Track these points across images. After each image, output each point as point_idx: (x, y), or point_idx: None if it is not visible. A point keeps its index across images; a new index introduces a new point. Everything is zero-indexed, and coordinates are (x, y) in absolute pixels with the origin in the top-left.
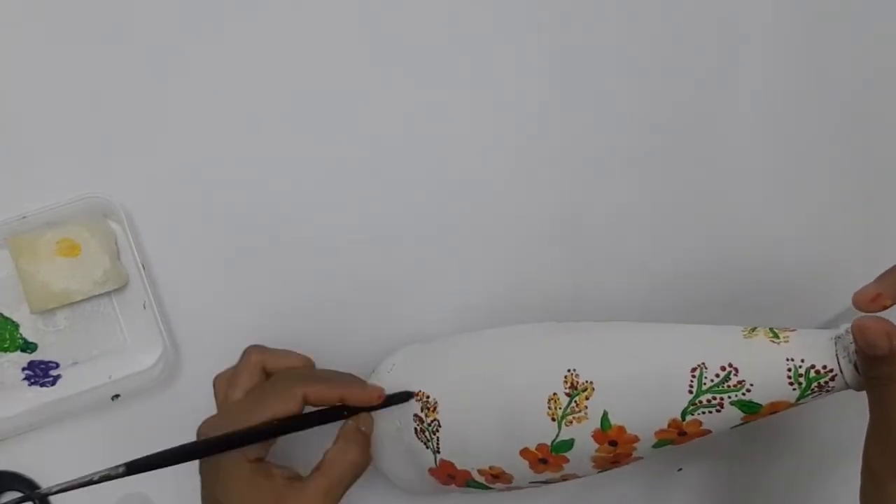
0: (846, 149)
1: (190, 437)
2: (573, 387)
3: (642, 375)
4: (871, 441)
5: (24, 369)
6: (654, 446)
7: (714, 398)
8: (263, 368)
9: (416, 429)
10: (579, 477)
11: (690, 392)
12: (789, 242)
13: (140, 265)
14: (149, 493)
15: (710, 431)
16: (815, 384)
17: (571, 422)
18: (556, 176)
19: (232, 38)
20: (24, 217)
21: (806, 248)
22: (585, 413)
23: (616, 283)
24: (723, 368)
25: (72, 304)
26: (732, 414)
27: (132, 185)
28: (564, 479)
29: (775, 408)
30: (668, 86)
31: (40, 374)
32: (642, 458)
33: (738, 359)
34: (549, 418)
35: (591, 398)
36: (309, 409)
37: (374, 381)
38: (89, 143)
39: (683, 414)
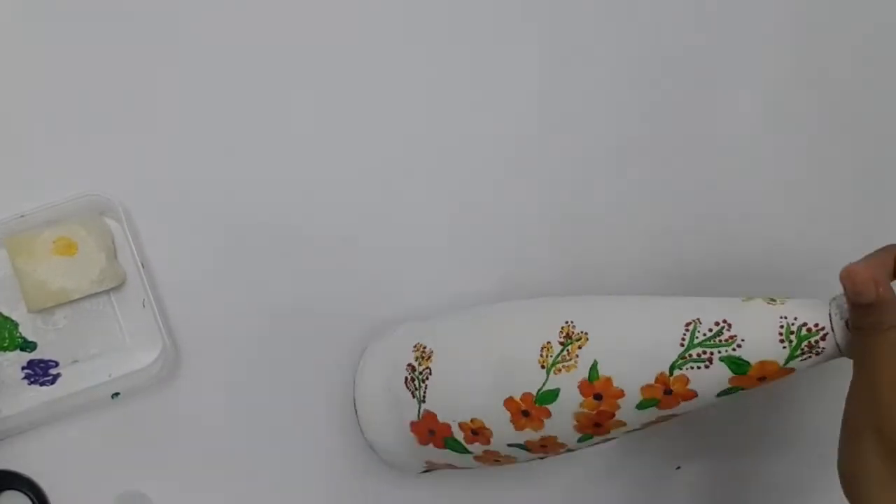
0: (846, 147)
1: (192, 433)
2: (568, 336)
3: (638, 328)
4: (852, 394)
5: (23, 368)
6: (639, 406)
7: (704, 352)
8: None
9: (406, 377)
10: (558, 445)
11: (682, 345)
12: (788, 241)
13: (139, 263)
14: (149, 493)
15: (695, 394)
16: (806, 343)
17: (560, 370)
18: (554, 173)
19: (231, 34)
20: (22, 216)
21: (806, 246)
22: (575, 362)
23: (613, 280)
24: (716, 324)
25: (71, 302)
26: (720, 372)
27: (130, 183)
28: (543, 446)
29: (764, 369)
30: (667, 84)
31: (40, 372)
32: (625, 424)
33: (733, 316)
34: (539, 365)
35: (583, 347)
36: None
37: (373, 342)
38: (87, 141)
39: (672, 367)
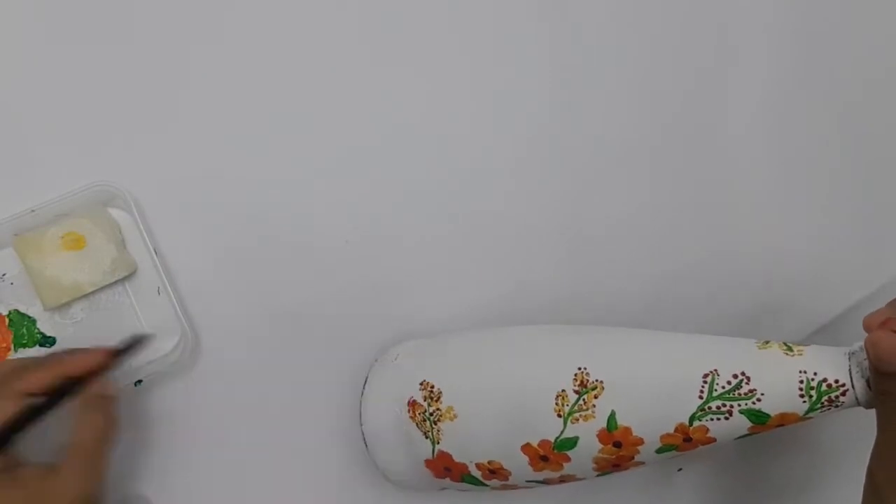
0: (847, 151)
1: (214, 418)
2: (583, 384)
3: (654, 378)
4: (876, 454)
5: None
6: (658, 451)
7: (724, 405)
8: None
9: (417, 417)
10: (577, 479)
11: (700, 398)
12: (791, 245)
13: (152, 250)
14: (149, 493)
15: (714, 440)
16: (826, 398)
17: (578, 419)
18: (559, 180)
19: (236, 28)
20: (32, 211)
21: (807, 249)
22: (593, 412)
23: (617, 286)
24: (735, 376)
25: (86, 295)
26: (740, 423)
27: (137, 172)
28: (562, 480)
29: (783, 419)
30: (671, 89)
31: None
32: (643, 463)
33: (751, 368)
34: (556, 414)
35: (599, 397)
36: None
37: (377, 369)
38: (91, 133)
39: (691, 419)
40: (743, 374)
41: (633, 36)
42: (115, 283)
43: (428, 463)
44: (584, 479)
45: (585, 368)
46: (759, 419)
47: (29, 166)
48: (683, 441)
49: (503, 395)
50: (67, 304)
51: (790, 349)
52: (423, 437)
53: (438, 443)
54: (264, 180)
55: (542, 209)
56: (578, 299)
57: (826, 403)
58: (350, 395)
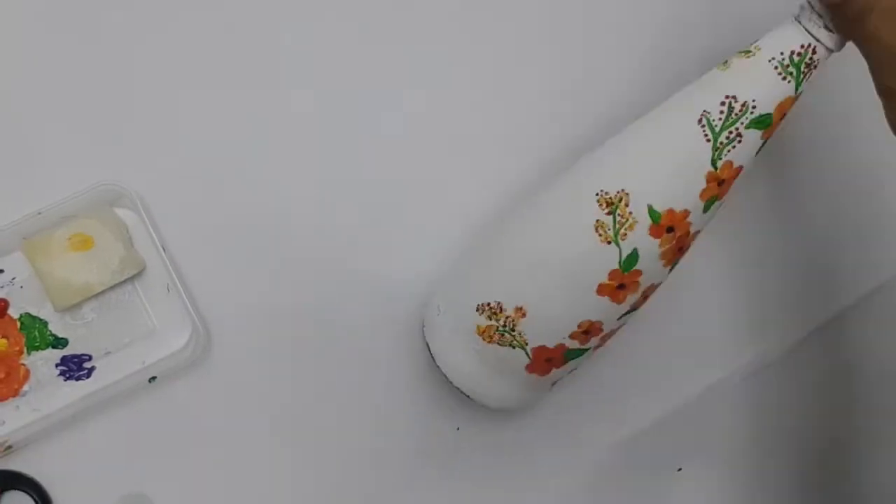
0: (843, 151)
1: (229, 412)
2: (609, 203)
3: (663, 157)
4: (877, 75)
5: (57, 365)
6: (705, 210)
7: (731, 132)
8: None
9: (492, 339)
10: (657, 286)
11: (708, 141)
12: (787, 244)
13: (160, 247)
14: (149, 493)
15: (742, 168)
16: (803, 65)
17: (625, 234)
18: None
19: (240, 26)
20: (39, 213)
21: (803, 250)
22: (633, 217)
23: None
24: (722, 104)
25: (96, 295)
26: (752, 137)
27: (142, 170)
28: (645, 296)
29: (783, 108)
30: (671, 89)
31: (74, 367)
32: (700, 231)
33: (730, 88)
34: (605, 242)
35: (629, 203)
36: None
37: (428, 331)
38: (95, 133)
39: (713, 163)
40: (727, 97)
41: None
42: (125, 282)
43: (529, 367)
44: (661, 282)
45: (602, 190)
46: (763, 123)
47: (34, 168)
48: (719, 186)
49: (553, 265)
50: (78, 305)
51: (748, 51)
52: (511, 348)
53: (527, 344)
54: (270, 174)
55: None
56: None
57: (806, 70)
58: (367, 382)
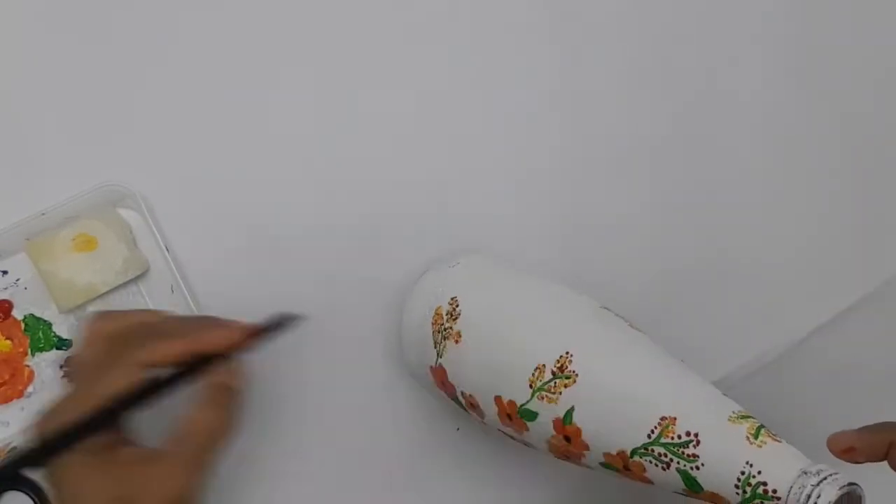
0: (844, 151)
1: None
2: (561, 369)
3: (619, 398)
4: None
5: (62, 367)
6: (602, 464)
7: (665, 455)
8: (106, 336)
9: (435, 325)
10: (537, 449)
11: (648, 437)
12: (786, 243)
13: (164, 248)
14: None
15: (651, 483)
16: (758, 502)
17: (543, 398)
18: (557, 180)
19: (242, 25)
20: (43, 214)
21: (803, 248)
22: (557, 398)
23: (614, 286)
24: (687, 433)
25: (101, 296)
26: (675, 479)
27: (145, 171)
28: (525, 444)
29: (714, 499)
30: (669, 90)
31: None
32: (592, 469)
33: (706, 434)
34: (528, 384)
35: (569, 388)
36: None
37: (432, 273)
38: (99, 133)
39: (633, 452)
40: (696, 435)
41: (632, 36)
42: (129, 282)
43: (432, 369)
44: (543, 453)
45: (570, 355)
46: (692, 486)
47: (37, 169)
48: (623, 468)
49: (499, 342)
50: (82, 306)
51: (757, 435)
52: (433, 345)
53: (441, 357)
54: (273, 174)
55: (539, 210)
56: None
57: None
58: (368, 382)
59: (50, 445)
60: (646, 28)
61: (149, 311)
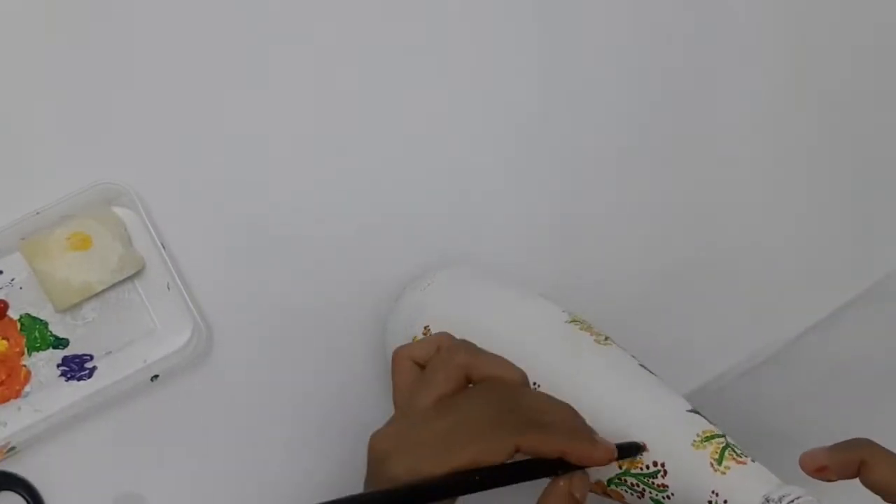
0: (840, 148)
1: (231, 409)
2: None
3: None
4: None
5: (59, 366)
6: None
7: (637, 485)
8: (467, 375)
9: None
10: None
11: (620, 468)
12: (783, 242)
13: (160, 245)
14: (149, 492)
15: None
16: None
17: None
18: (554, 178)
19: (238, 25)
20: (37, 213)
21: (799, 245)
22: None
23: (610, 284)
24: (655, 464)
25: (96, 295)
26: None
27: (139, 169)
28: None
29: None
30: (666, 86)
31: (76, 368)
32: None
33: (673, 464)
34: None
35: None
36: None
37: (407, 296)
38: (93, 132)
39: (609, 482)
40: (663, 465)
41: (630, 35)
42: (125, 280)
43: None
44: None
45: (537, 385)
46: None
47: (31, 168)
48: (604, 493)
49: None
50: (78, 305)
51: (721, 461)
52: None
53: None
54: (269, 172)
55: (534, 209)
56: (571, 293)
57: None
58: (368, 380)
59: (404, 497)
60: (641, 28)
61: (511, 368)
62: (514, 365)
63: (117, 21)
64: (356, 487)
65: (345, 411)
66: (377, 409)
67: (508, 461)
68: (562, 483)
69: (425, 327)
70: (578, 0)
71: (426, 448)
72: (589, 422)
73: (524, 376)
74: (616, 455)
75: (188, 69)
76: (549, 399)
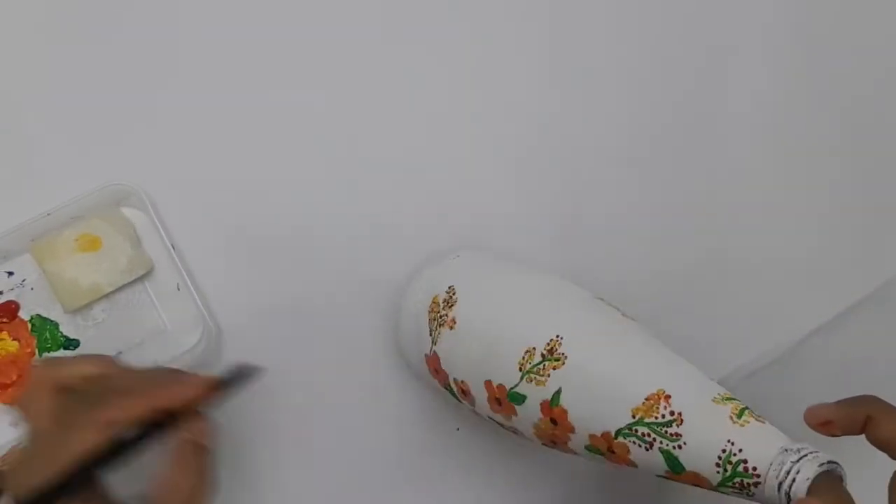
0: (844, 150)
1: (240, 407)
2: (551, 351)
3: (607, 378)
4: None
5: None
6: (587, 448)
7: (648, 434)
8: (57, 385)
9: (431, 312)
10: (525, 437)
11: (633, 417)
12: (788, 244)
13: (170, 246)
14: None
15: (636, 465)
16: (738, 480)
17: (532, 380)
18: (556, 179)
19: (246, 24)
20: (48, 214)
21: (804, 248)
22: (546, 380)
23: (612, 286)
24: (672, 413)
25: (106, 296)
26: (657, 460)
27: (148, 170)
28: (514, 431)
29: (696, 480)
30: (669, 87)
31: None
32: (577, 454)
33: (690, 413)
34: (518, 367)
35: (558, 370)
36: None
37: (431, 264)
38: (102, 133)
39: (617, 433)
40: (680, 414)
41: (631, 35)
42: (134, 281)
43: (426, 358)
44: (530, 440)
45: (560, 338)
46: (673, 466)
47: (41, 170)
48: (608, 450)
49: (490, 327)
50: (88, 306)
51: (740, 416)
52: (429, 333)
53: (435, 344)
54: (278, 172)
55: (538, 209)
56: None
57: (737, 485)
58: (370, 381)
59: None
60: (646, 26)
61: (98, 358)
62: (91, 356)
63: (126, 23)
64: (357, 488)
65: (349, 412)
66: (382, 411)
67: (117, 440)
68: (184, 434)
69: (449, 287)
70: (583, 6)
71: (42, 457)
72: (609, 376)
73: (105, 361)
74: (216, 383)
75: (196, 72)
76: (137, 372)
